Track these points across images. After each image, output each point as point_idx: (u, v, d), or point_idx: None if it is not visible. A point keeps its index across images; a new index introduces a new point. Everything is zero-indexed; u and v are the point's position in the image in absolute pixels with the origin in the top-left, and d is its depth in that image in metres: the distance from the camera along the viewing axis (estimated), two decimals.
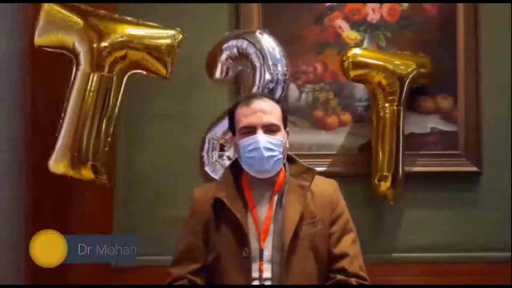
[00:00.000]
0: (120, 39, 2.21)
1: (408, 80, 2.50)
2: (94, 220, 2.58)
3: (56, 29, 2.17)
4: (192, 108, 2.60)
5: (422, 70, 2.56)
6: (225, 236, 1.87)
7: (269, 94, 2.25)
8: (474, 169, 2.64)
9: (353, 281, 1.86)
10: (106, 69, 2.19)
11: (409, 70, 2.51)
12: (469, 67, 2.65)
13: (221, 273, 1.87)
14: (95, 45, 2.18)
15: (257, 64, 2.33)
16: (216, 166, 2.41)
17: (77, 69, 2.21)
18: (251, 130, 1.87)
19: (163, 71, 2.27)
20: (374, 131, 2.53)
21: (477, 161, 2.64)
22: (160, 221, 2.55)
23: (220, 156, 2.42)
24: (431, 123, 2.67)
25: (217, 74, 2.41)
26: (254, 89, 2.34)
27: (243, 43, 2.35)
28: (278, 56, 2.35)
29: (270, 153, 1.85)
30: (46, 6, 2.16)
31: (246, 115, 1.88)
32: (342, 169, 2.62)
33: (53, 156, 2.20)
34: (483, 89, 2.65)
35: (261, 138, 1.85)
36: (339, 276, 1.87)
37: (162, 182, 2.61)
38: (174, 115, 2.63)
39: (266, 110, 1.88)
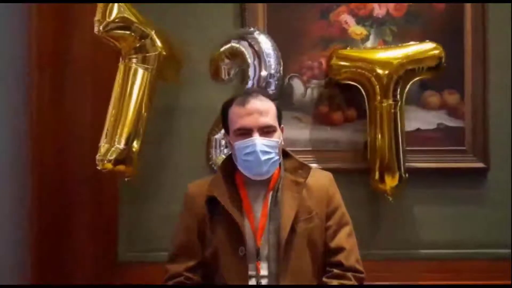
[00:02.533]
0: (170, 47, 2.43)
1: (400, 74, 2.45)
2: (99, 217, 2.58)
3: (129, 27, 2.33)
4: (197, 103, 2.59)
5: (425, 61, 2.49)
6: (220, 234, 1.87)
7: (263, 90, 2.24)
8: (480, 165, 2.61)
9: (350, 275, 1.86)
10: (155, 69, 2.39)
11: (398, 63, 2.45)
12: (477, 62, 2.61)
13: (218, 270, 1.87)
14: (159, 48, 2.38)
15: (250, 61, 2.37)
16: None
17: (127, 65, 2.37)
18: (246, 132, 1.84)
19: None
20: (372, 127, 2.50)
21: (484, 157, 2.61)
22: (166, 217, 2.55)
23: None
24: (438, 119, 2.63)
25: (222, 76, 2.47)
26: (249, 85, 2.35)
27: (238, 42, 2.40)
28: (271, 52, 2.38)
29: (267, 156, 1.84)
30: (120, 4, 2.32)
31: (241, 116, 1.85)
32: (348, 165, 2.59)
33: (100, 151, 2.31)
34: (490, 85, 2.62)
35: (258, 141, 1.82)
36: (335, 270, 1.87)
37: (168, 178, 2.61)
38: (179, 110, 2.62)
39: (262, 110, 1.85)
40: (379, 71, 2.46)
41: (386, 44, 2.64)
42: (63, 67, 2.51)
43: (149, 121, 2.54)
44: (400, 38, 2.63)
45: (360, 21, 2.66)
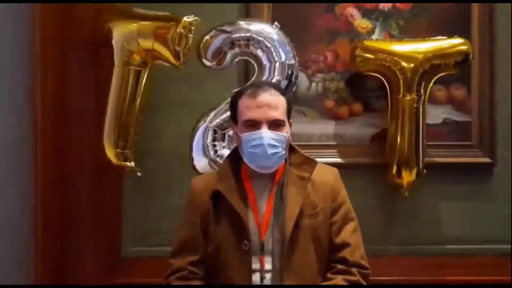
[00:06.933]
0: (133, 32, 2.29)
1: (426, 68, 2.42)
2: (103, 212, 2.57)
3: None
4: (200, 96, 2.58)
5: (451, 56, 2.45)
6: (224, 228, 1.86)
7: (275, 83, 2.22)
8: (487, 160, 2.59)
9: (355, 271, 1.85)
10: (133, 63, 2.32)
11: (423, 57, 2.41)
12: (484, 56, 2.59)
13: (221, 265, 1.86)
14: (120, 43, 2.29)
15: (264, 61, 2.35)
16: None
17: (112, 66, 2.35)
18: (255, 124, 1.84)
19: (174, 60, 2.30)
20: (392, 121, 2.47)
21: (490, 152, 2.59)
22: (170, 211, 2.54)
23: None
24: (444, 114, 2.62)
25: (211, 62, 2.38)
26: (263, 78, 2.33)
27: (251, 36, 2.35)
28: (287, 47, 2.37)
29: (273, 150, 1.83)
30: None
31: (250, 108, 1.84)
32: (354, 159, 2.58)
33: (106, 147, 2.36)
34: (497, 80, 2.59)
35: (266, 134, 1.82)
36: (340, 266, 1.86)
37: (173, 172, 2.59)
38: (183, 104, 2.60)
39: (272, 104, 1.84)
40: (404, 64, 2.42)
41: (392, 37, 2.61)
42: (66, 62, 2.50)
43: (152, 115, 2.54)
44: (406, 32, 2.60)
45: (365, 14, 2.63)
